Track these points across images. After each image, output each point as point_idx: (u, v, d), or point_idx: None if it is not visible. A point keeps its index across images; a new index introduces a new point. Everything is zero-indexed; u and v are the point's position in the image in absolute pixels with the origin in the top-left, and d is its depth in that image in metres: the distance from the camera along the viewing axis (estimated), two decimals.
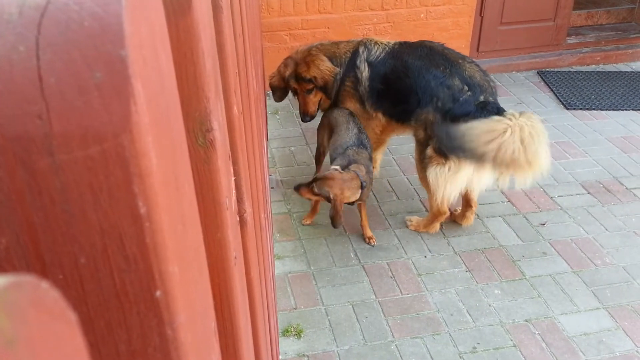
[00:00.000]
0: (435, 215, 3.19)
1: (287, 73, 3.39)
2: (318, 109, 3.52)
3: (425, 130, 3.00)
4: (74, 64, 0.31)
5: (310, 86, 3.36)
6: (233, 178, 0.82)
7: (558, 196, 3.64)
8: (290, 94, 3.55)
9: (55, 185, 0.32)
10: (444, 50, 3.13)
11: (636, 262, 3.11)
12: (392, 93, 3.17)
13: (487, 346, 2.63)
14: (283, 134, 4.29)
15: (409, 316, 2.78)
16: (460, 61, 3.06)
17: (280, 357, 2.55)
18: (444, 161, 2.91)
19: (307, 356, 2.59)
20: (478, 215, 3.44)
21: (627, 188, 3.71)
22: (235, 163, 0.86)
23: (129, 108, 0.31)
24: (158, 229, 0.35)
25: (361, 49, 3.27)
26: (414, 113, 3.05)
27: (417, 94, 3.02)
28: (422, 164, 3.06)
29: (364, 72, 3.24)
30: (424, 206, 3.52)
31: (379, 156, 3.65)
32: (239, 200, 0.91)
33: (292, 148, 4.12)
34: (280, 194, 3.65)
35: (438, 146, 2.90)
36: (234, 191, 0.81)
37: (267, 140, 4.08)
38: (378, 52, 3.23)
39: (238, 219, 0.87)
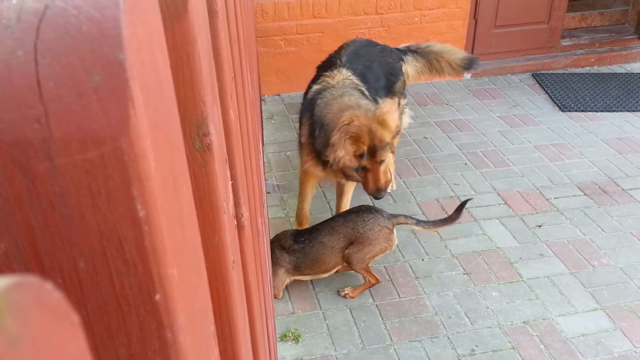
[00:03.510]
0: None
1: (365, 148, 2.69)
2: None
3: (401, 92, 3.56)
4: (72, 68, 0.31)
5: (385, 156, 2.77)
6: (230, 182, 0.82)
7: (554, 198, 3.64)
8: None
9: (54, 189, 0.32)
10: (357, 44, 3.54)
11: (633, 262, 3.12)
12: (378, 88, 3.38)
13: (486, 348, 2.63)
14: (279, 139, 4.29)
15: (407, 319, 2.78)
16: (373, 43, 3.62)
17: None
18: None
19: None
20: (475, 218, 3.45)
21: (623, 189, 3.72)
22: (232, 167, 0.86)
23: (128, 111, 0.31)
24: (157, 232, 0.35)
25: (363, 90, 3.08)
26: (392, 87, 3.49)
27: (392, 74, 3.50)
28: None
29: (365, 91, 3.13)
30: (421, 209, 3.52)
31: None
32: (236, 204, 0.91)
33: (288, 153, 4.12)
34: (277, 199, 3.65)
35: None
36: (231, 195, 0.81)
37: (263, 145, 4.08)
38: (353, 78, 3.13)
39: (235, 223, 0.87)
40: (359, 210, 2.83)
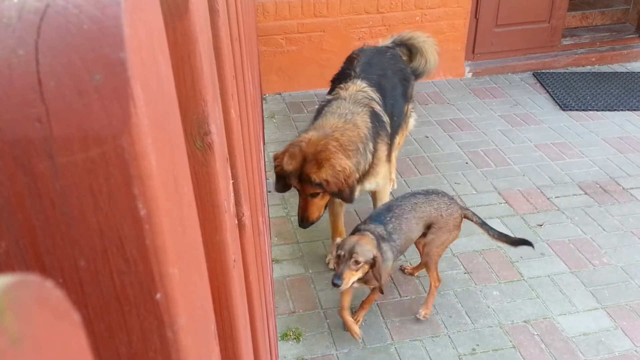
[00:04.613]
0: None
1: (290, 168, 2.70)
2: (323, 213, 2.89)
3: (411, 97, 3.59)
4: (73, 67, 0.31)
5: (317, 190, 2.71)
6: (231, 181, 0.82)
7: (555, 197, 3.64)
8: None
9: (55, 188, 0.32)
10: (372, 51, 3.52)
11: (634, 261, 3.12)
12: (396, 96, 3.31)
13: (487, 347, 2.63)
14: (280, 138, 4.29)
15: (408, 318, 2.78)
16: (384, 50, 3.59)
17: None
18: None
19: None
20: None
21: (623, 188, 3.72)
22: (233, 166, 0.86)
23: (129, 110, 0.31)
24: (158, 231, 0.35)
25: (374, 106, 3.02)
26: (407, 93, 3.49)
27: (405, 80, 3.46)
28: (405, 117, 3.54)
29: (377, 105, 3.08)
30: None
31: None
32: (237, 203, 0.91)
33: None
34: (278, 198, 3.65)
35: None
36: (232, 194, 0.81)
37: (264, 144, 4.08)
38: (368, 89, 3.08)
39: (236, 222, 0.87)
40: (437, 193, 2.77)
